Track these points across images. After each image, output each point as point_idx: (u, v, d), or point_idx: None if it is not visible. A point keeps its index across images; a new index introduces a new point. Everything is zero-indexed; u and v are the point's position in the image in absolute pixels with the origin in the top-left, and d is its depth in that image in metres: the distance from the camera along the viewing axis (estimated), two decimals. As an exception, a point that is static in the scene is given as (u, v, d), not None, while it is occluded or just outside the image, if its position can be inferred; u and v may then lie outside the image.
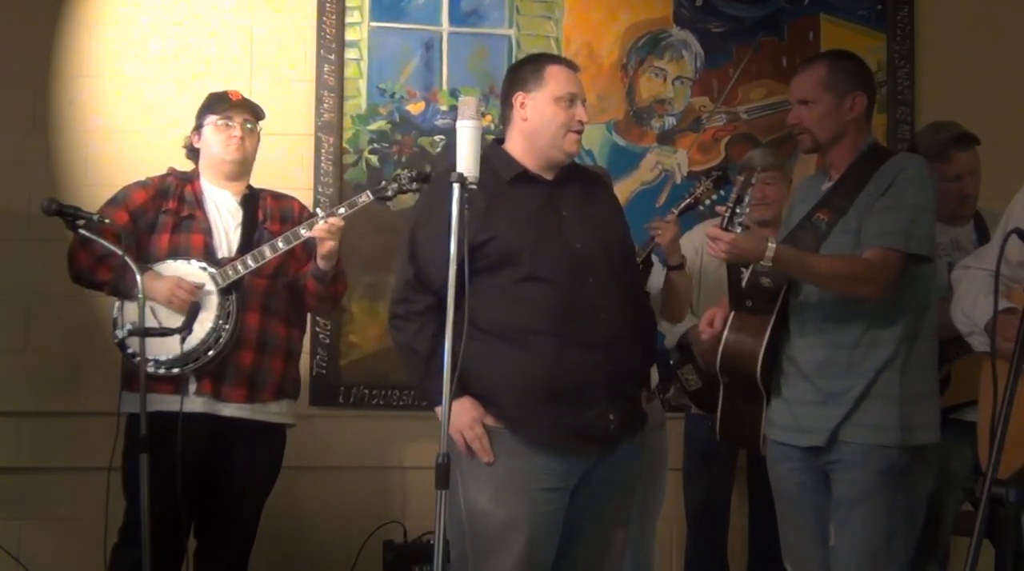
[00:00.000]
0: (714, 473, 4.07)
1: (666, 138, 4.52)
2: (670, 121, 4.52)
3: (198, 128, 3.52)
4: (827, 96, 2.99)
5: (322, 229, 3.31)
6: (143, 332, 3.17)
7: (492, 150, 2.94)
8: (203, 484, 3.33)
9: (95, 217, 3.30)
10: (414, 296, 2.86)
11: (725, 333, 3.04)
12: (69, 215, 3.29)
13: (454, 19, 4.42)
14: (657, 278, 3.61)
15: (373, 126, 4.38)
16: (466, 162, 2.48)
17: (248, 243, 3.44)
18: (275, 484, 3.53)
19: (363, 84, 4.37)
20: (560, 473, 2.79)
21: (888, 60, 4.55)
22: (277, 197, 3.61)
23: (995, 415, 2.05)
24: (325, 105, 4.33)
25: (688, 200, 3.65)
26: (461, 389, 2.73)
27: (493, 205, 2.78)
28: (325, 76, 4.33)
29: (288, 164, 4.30)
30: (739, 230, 2.83)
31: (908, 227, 2.85)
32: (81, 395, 4.10)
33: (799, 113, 3.03)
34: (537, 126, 2.90)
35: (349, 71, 4.36)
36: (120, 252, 3.16)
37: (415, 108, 4.40)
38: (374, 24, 4.39)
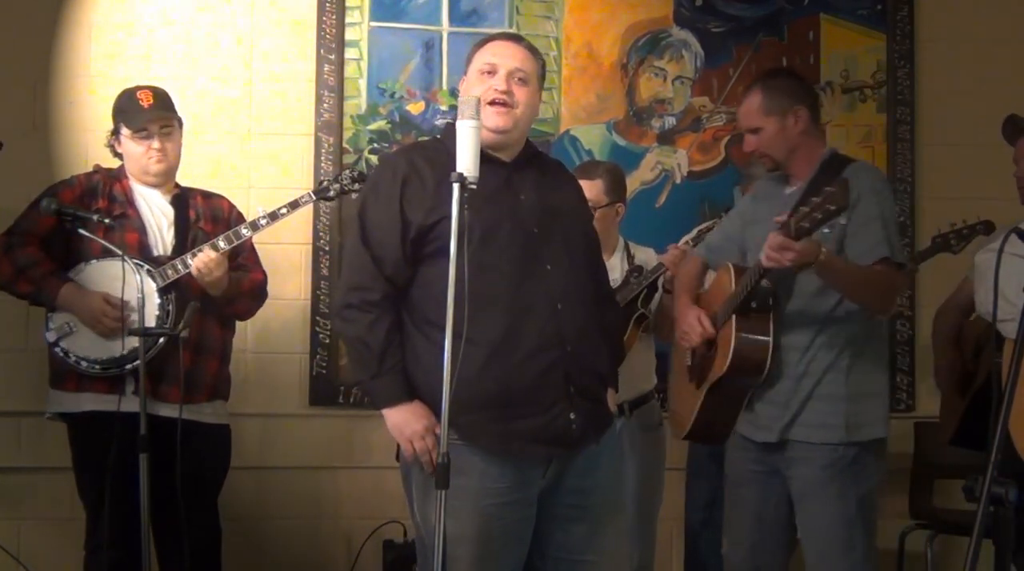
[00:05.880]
0: (720, 473, 4.06)
1: (666, 138, 4.51)
2: (670, 121, 4.51)
3: (116, 133, 3.46)
4: (770, 120, 3.14)
5: (195, 266, 3.31)
6: (143, 332, 3.18)
7: (446, 132, 2.76)
8: (151, 483, 3.21)
9: (95, 217, 3.30)
10: (371, 282, 2.61)
11: (734, 337, 3.04)
12: (68, 215, 3.30)
13: (454, 19, 4.42)
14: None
15: (373, 126, 4.38)
16: (466, 162, 2.40)
17: (183, 242, 3.42)
18: (224, 482, 3.53)
19: (363, 84, 4.37)
20: (515, 484, 2.57)
21: (888, 60, 4.54)
22: (207, 196, 3.59)
23: (996, 409, 2.06)
24: (325, 105, 4.32)
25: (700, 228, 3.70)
26: (410, 392, 2.59)
27: (445, 185, 2.48)
28: (325, 76, 4.33)
29: (288, 164, 4.31)
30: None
31: (889, 239, 2.99)
32: (81, 395, 4.10)
33: (751, 141, 3.20)
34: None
35: (349, 71, 4.35)
36: (118, 250, 3.19)
37: (415, 108, 4.40)
38: (374, 24, 4.39)
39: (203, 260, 3.31)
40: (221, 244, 3.36)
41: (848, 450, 3.01)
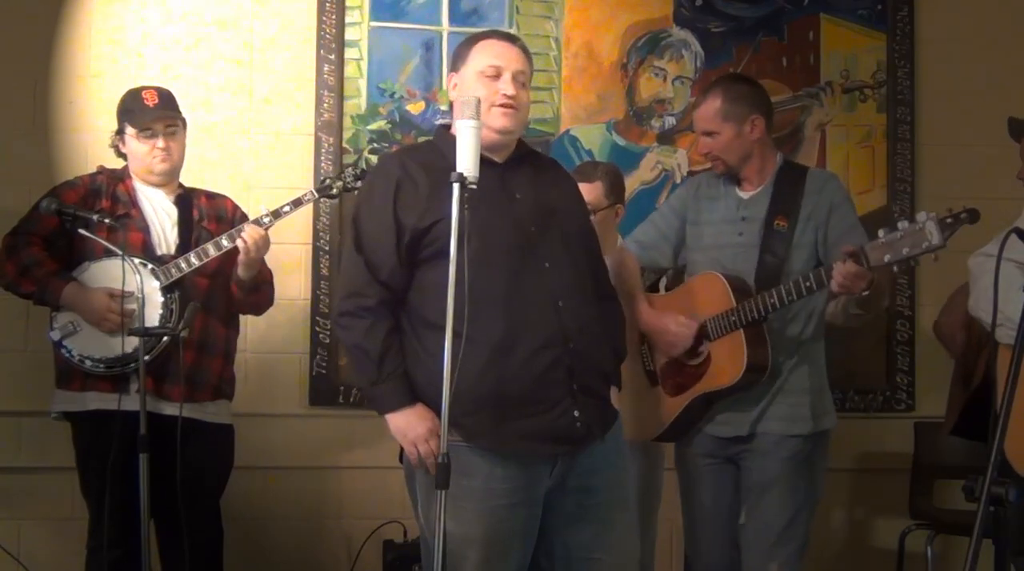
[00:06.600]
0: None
1: (666, 138, 4.51)
2: (670, 121, 4.51)
3: (120, 132, 3.47)
4: (728, 125, 3.21)
5: (246, 240, 3.32)
6: (143, 332, 3.18)
7: (438, 134, 2.81)
8: (153, 482, 3.21)
9: (95, 217, 3.31)
10: (366, 289, 2.61)
11: (747, 349, 3.08)
12: (68, 215, 3.30)
13: (454, 19, 4.42)
14: None
15: (373, 126, 4.38)
16: (466, 162, 2.40)
17: (187, 242, 3.43)
18: (227, 482, 3.54)
19: (363, 84, 4.37)
20: (522, 484, 2.58)
21: (888, 60, 4.54)
22: (211, 196, 3.60)
23: (997, 410, 2.06)
24: (325, 105, 4.32)
25: None
26: (412, 395, 2.59)
27: (439, 188, 2.49)
28: (325, 76, 4.33)
29: (288, 164, 4.31)
30: None
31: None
32: (81, 395, 4.10)
33: (706, 143, 3.26)
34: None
35: (349, 71, 4.36)
36: (118, 250, 3.18)
37: (415, 108, 4.40)
38: (374, 24, 4.39)
39: (252, 235, 3.32)
40: (225, 242, 3.37)
41: (808, 442, 3.14)
